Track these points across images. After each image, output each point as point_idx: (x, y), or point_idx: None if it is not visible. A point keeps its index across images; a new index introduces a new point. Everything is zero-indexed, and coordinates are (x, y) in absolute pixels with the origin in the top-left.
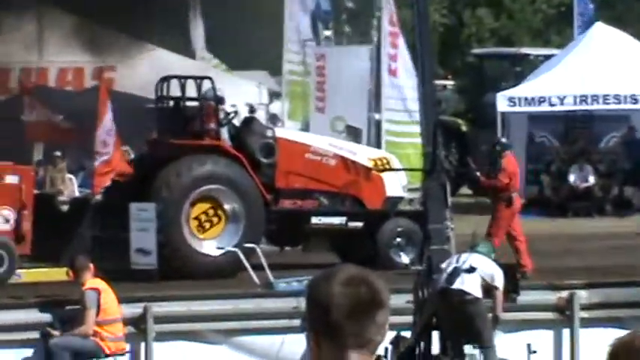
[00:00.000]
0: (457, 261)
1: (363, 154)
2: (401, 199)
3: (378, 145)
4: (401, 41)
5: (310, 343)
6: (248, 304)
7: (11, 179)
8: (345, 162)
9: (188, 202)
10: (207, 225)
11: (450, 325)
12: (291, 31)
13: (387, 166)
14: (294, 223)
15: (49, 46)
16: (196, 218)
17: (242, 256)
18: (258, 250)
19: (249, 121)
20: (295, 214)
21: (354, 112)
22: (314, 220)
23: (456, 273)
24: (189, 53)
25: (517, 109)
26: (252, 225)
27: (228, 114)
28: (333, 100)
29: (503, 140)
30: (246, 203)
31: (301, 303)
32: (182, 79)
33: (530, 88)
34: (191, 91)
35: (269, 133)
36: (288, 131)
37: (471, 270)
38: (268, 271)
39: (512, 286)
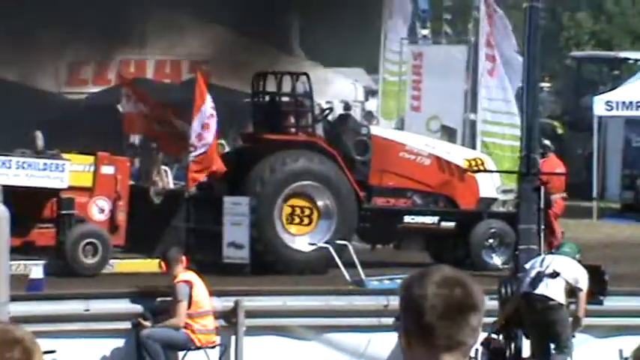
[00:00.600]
0: (541, 264)
1: (457, 154)
2: (494, 200)
3: (473, 146)
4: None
5: (402, 343)
6: (339, 301)
7: (107, 170)
8: (439, 161)
9: (281, 198)
10: (300, 221)
11: (533, 328)
12: (389, 28)
13: (482, 167)
14: (386, 221)
15: (148, 38)
16: (289, 214)
17: (334, 253)
18: (350, 247)
19: (344, 118)
20: (388, 213)
21: (450, 112)
22: (407, 218)
23: (539, 278)
24: (286, 49)
25: (614, 112)
26: (344, 222)
27: (323, 110)
28: (429, 100)
29: (546, 142)
30: (339, 200)
31: (392, 301)
32: (278, 74)
33: (628, 92)
34: (287, 86)
35: (364, 131)
36: (383, 129)
37: (555, 275)
38: (360, 269)
39: (599, 288)
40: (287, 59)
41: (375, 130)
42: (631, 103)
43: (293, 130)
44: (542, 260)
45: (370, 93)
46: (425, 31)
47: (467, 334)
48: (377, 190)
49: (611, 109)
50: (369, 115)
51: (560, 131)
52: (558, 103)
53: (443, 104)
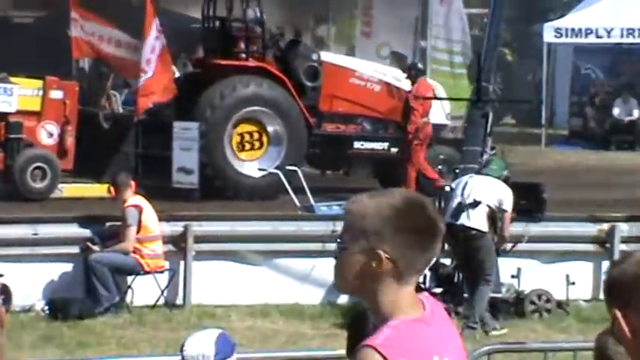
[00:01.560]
0: (462, 191)
1: (407, 81)
2: (444, 126)
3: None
4: None
5: None
6: (287, 226)
7: (56, 94)
8: (389, 88)
9: (231, 123)
10: (249, 146)
11: (458, 257)
12: None
13: (432, 93)
14: (336, 147)
15: None
16: (239, 139)
17: (283, 179)
18: (299, 172)
19: (294, 44)
20: (338, 138)
21: (401, 39)
22: (356, 144)
23: (460, 208)
24: None
25: (563, 40)
26: (294, 148)
27: (273, 36)
28: (380, 26)
29: (419, 65)
30: (289, 126)
31: (338, 226)
32: None
33: (577, 19)
34: (238, 12)
35: (314, 57)
36: (333, 55)
37: (476, 204)
38: (309, 194)
39: (537, 206)
40: None
41: (325, 56)
42: (580, 30)
43: (243, 55)
44: (465, 185)
45: (321, 19)
46: None
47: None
48: (327, 116)
49: (560, 36)
50: (319, 42)
51: (509, 58)
52: (508, 30)
53: (393, 31)
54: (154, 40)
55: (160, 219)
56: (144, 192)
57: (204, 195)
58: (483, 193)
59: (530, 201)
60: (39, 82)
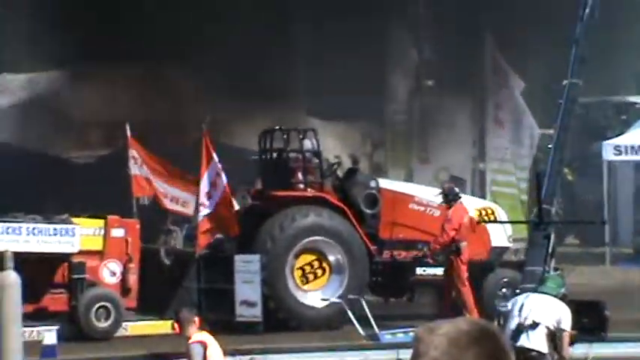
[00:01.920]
0: (520, 312)
1: (468, 204)
2: (506, 249)
3: (483, 196)
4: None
5: None
6: (353, 356)
7: (117, 232)
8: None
9: (292, 254)
10: (312, 277)
11: None
12: (395, 79)
13: (492, 217)
14: (398, 274)
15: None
16: (300, 269)
17: (347, 308)
18: (362, 301)
19: (352, 172)
20: (400, 265)
21: (458, 162)
22: (418, 270)
23: (519, 330)
24: (295, 104)
25: (623, 157)
26: (356, 276)
27: (331, 165)
28: (436, 150)
29: (456, 189)
30: (350, 254)
31: (402, 355)
32: (285, 131)
33: (636, 136)
34: (294, 143)
35: (372, 184)
36: (391, 182)
37: (535, 325)
38: (373, 323)
39: (599, 324)
40: (294, 114)
41: (383, 182)
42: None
43: (301, 186)
44: (522, 306)
45: (378, 145)
46: (430, 82)
47: None
48: (388, 243)
49: (620, 154)
50: (377, 168)
51: (570, 178)
52: (568, 150)
53: (451, 155)
54: (213, 175)
55: (225, 353)
56: (208, 327)
57: (269, 328)
58: (541, 314)
59: (591, 319)
60: (100, 222)
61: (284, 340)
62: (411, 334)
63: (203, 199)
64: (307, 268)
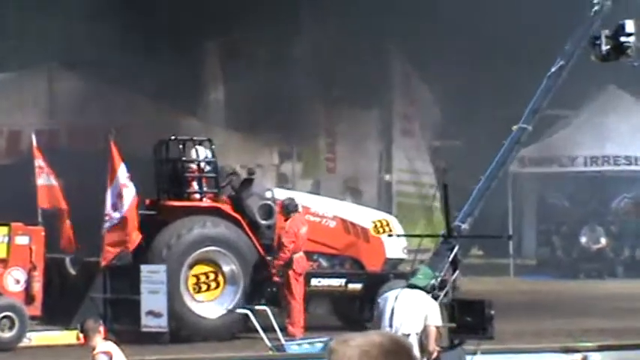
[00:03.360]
0: (391, 323)
1: (364, 216)
2: (401, 260)
3: (390, 206)
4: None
5: None
6: None
7: (22, 240)
8: (344, 223)
9: (187, 265)
10: (206, 287)
11: None
12: (304, 92)
13: (387, 228)
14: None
15: (60, 107)
16: (195, 280)
17: (253, 318)
18: (268, 311)
19: (247, 183)
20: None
21: (366, 173)
22: (313, 281)
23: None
24: (201, 114)
25: (528, 169)
26: (251, 287)
27: (227, 175)
28: (344, 160)
29: (294, 202)
30: (245, 265)
31: None
32: (181, 140)
33: (540, 148)
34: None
35: (268, 194)
36: (286, 192)
37: (406, 337)
38: (279, 333)
39: (482, 322)
40: (198, 124)
41: (279, 193)
42: (543, 159)
43: (197, 196)
44: (392, 315)
45: (285, 156)
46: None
47: None
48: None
49: (525, 166)
50: (283, 178)
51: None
52: (472, 160)
53: (358, 165)
54: (119, 187)
55: None
56: (114, 337)
57: (174, 338)
58: (410, 323)
59: (474, 317)
60: (4, 229)
61: (190, 350)
62: (317, 344)
63: (109, 209)
64: (202, 278)
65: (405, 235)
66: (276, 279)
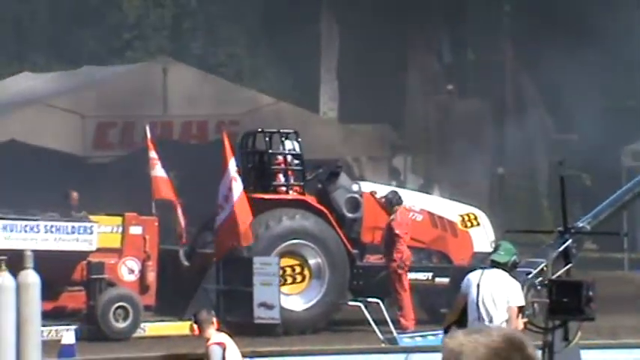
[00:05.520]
0: (477, 306)
1: (451, 209)
2: (489, 254)
3: (501, 198)
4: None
5: None
6: (373, 359)
7: (135, 230)
8: (432, 217)
9: (273, 256)
10: (291, 280)
11: None
12: (415, 83)
13: (475, 222)
14: (380, 279)
15: (174, 99)
16: (281, 273)
17: (365, 311)
18: (381, 304)
19: (334, 176)
20: (381, 270)
21: (476, 165)
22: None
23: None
24: (314, 107)
25: None
26: (336, 280)
27: (314, 168)
28: (455, 153)
29: (398, 194)
30: (331, 258)
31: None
32: (267, 133)
33: None
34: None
35: (355, 188)
36: (374, 185)
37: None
38: (392, 326)
39: (580, 304)
40: (316, 119)
41: (366, 186)
42: None
43: (283, 188)
44: (477, 295)
45: (397, 149)
46: (450, 86)
47: None
48: (369, 247)
49: (639, 159)
50: (395, 172)
51: (588, 183)
52: (586, 155)
53: (469, 157)
54: (230, 180)
55: (244, 355)
56: (226, 328)
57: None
58: (496, 313)
59: (572, 299)
60: (118, 219)
61: (301, 342)
62: (429, 337)
63: (221, 200)
64: (288, 271)
65: (522, 231)
66: (399, 271)
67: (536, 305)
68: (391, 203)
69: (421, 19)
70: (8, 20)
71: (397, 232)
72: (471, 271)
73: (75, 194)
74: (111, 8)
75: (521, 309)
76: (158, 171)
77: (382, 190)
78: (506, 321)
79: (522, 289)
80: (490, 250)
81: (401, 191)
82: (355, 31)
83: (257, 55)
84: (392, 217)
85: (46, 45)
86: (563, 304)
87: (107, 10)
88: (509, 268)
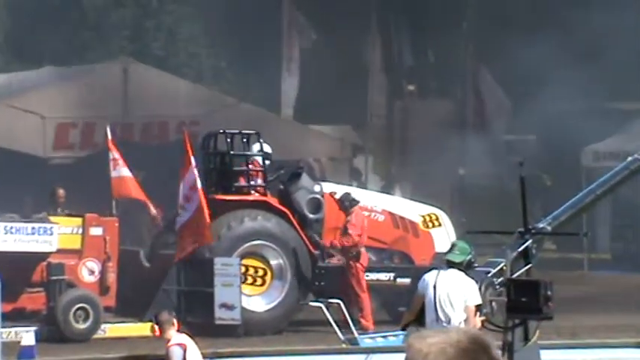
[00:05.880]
0: (434, 307)
1: (412, 209)
2: (444, 254)
3: (462, 199)
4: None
5: None
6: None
7: (96, 231)
8: (393, 218)
9: (234, 257)
10: (253, 281)
11: None
12: (376, 85)
13: (437, 222)
14: (341, 280)
15: (134, 100)
16: (243, 274)
17: (326, 312)
18: (342, 305)
19: (296, 177)
20: (343, 271)
21: (437, 166)
22: (366, 275)
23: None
24: (274, 109)
25: (602, 164)
26: (298, 281)
27: (276, 169)
28: (416, 154)
29: (352, 195)
30: (293, 259)
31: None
32: (229, 134)
33: (615, 143)
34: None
35: (316, 189)
36: (335, 186)
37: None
38: (353, 327)
39: (538, 303)
40: (277, 119)
41: (327, 188)
42: (618, 154)
43: (245, 189)
44: (434, 296)
45: (357, 149)
46: (411, 87)
47: None
48: (331, 248)
49: (599, 160)
50: (355, 172)
51: (548, 183)
52: (545, 155)
53: (431, 158)
54: (193, 178)
55: (205, 356)
56: (187, 329)
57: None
58: (454, 314)
59: (530, 298)
60: (78, 220)
61: (262, 343)
62: (390, 338)
63: (182, 200)
64: (250, 271)
65: (482, 232)
66: (334, 261)
67: (494, 304)
68: (344, 205)
69: (382, 20)
70: None
71: (349, 229)
72: (428, 271)
73: (61, 191)
74: (71, 8)
75: (478, 307)
76: (124, 171)
77: (343, 190)
78: (465, 320)
79: (480, 287)
80: None
81: (362, 192)
82: (317, 32)
83: (218, 55)
84: (347, 218)
85: (6, 45)
86: (521, 304)
87: (68, 10)
88: (465, 267)
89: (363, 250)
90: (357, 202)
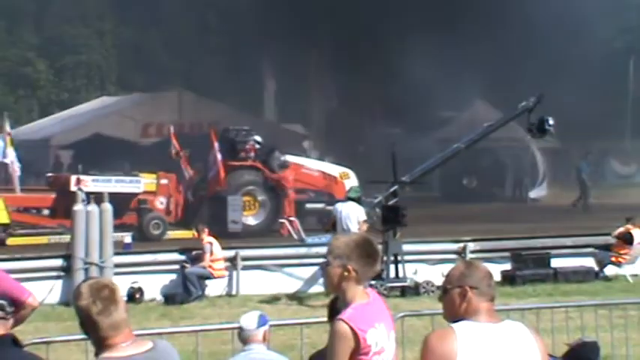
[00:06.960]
0: (341, 221)
1: (334, 169)
2: (347, 192)
3: (364, 163)
4: None
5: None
6: (292, 249)
7: (164, 181)
8: (323, 173)
9: (239, 194)
10: (248, 208)
11: None
12: (313, 94)
13: (347, 176)
14: (297, 207)
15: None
16: (243, 204)
17: (289, 225)
18: (296, 220)
19: (271, 152)
20: (297, 203)
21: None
22: (307, 205)
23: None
24: (258, 111)
25: None
26: (273, 208)
27: (262, 147)
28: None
29: (282, 158)
30: (270, 196)
31: (311, 250)
32: (236, 129)
33: None
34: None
35: (282, 159)
36: (293, 157)
37: (349, 229)
38: (302, 232)
39: (397, 219)
40: (260, 121)
41: (289, 157)
42: None
43: (244, 159)
44: (341, 215)
45: (304, 137)
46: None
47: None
48: (291, 190)
49: None
50: (304, 151)
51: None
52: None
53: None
54: (215, 153)
55: (222, 248)
56: (214, 233)
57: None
58: (353, 224)
59: (394, 214)
60: (154, 175)
61: (255, 242)
62: (323, 239)
63: (211, 163)
64: (247, 203)
65: (372, 182)
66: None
67: (375, 218)
68: (280, 166)
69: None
70: None
71: (284, 184)
72: (338, 202)
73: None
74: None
75: (365, 221)
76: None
77: (297, 160)
78: (359, 229)
79: (368, 210)
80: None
81: (307, 159)
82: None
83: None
84: (287, 174)
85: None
86: (390, 217)
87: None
88: (357, 200)
89: (291, 191)
90: (287, 165)
